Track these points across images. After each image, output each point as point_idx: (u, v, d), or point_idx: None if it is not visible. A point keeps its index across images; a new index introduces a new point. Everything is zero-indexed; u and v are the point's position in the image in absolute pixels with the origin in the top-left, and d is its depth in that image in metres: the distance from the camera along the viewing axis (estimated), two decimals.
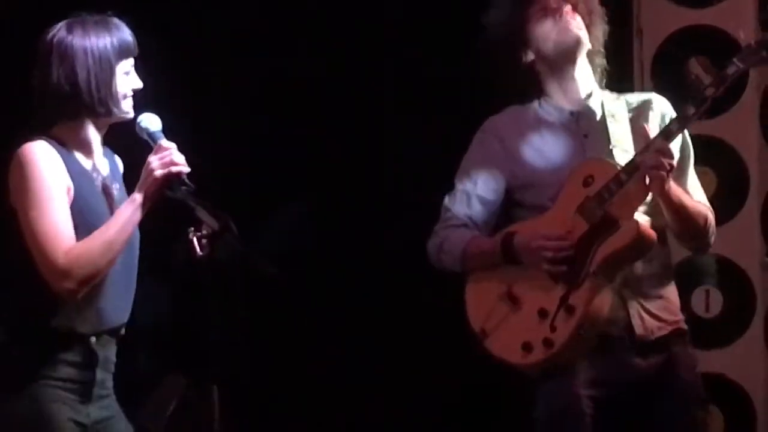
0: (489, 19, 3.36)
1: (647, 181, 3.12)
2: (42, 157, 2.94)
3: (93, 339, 3.00)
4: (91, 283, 2.95)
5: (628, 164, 3.14)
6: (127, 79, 3.04)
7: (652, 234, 3.16)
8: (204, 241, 3.01)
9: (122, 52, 3.03)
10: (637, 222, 3.15)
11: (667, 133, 3.16)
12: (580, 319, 3.14)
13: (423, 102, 4.90)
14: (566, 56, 3.31)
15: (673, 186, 3.15)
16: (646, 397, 3.22)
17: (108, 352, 3.06)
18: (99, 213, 3.01)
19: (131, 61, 3.06)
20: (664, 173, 3.10)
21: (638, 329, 3.20)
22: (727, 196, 4.62)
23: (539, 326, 3.17)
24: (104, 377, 3.06)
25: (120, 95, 3.03)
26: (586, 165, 3.24)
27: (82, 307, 2.98)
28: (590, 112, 3.32)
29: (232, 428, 3.52)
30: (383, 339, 4.88)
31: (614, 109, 3.32)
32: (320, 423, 4.88)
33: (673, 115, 3.30)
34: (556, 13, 3.27)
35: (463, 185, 3.35)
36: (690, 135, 3.37)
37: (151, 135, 3.04)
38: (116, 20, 3.07)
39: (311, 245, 4.84)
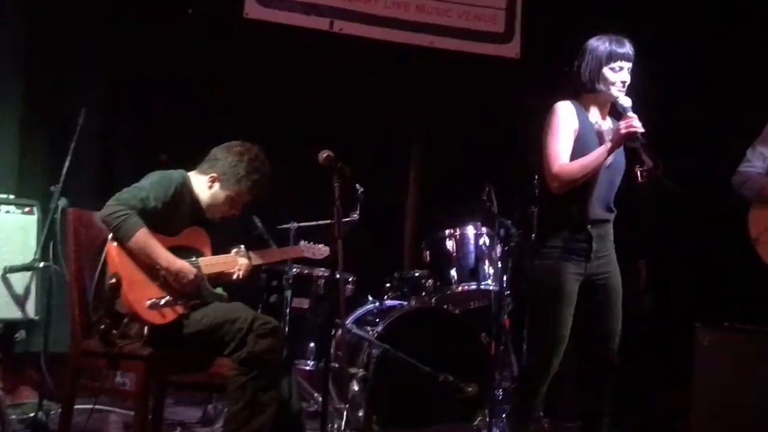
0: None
1: None
2: (562, 109, 4.89)
3: (589, 226, 4.87)
4: (571, 186, 4.76)
5: None
6: (614, 74, 4.90)
7: None
8: (644, 173, 4.75)
9: (611, 56, 4.89)
10: None
11: None
12: None
13: None
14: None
15: None
16: None
17: (601, 230, 4.86)
18: (591, 146, 4.86)
19: (620, 63, 4.88)
20: None
21: None
22: None
23: None
24: (599, 246, 4.84)
25: (608, 81, 4.90)
26: None
27: (580, 206, 4.85)
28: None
29: None
30: None
31: None
32: None
33: None
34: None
35: (762, 149, 5.63)
36: None
37: (623, 109, 4.87)
38: (623, 39, 4.95)
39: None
